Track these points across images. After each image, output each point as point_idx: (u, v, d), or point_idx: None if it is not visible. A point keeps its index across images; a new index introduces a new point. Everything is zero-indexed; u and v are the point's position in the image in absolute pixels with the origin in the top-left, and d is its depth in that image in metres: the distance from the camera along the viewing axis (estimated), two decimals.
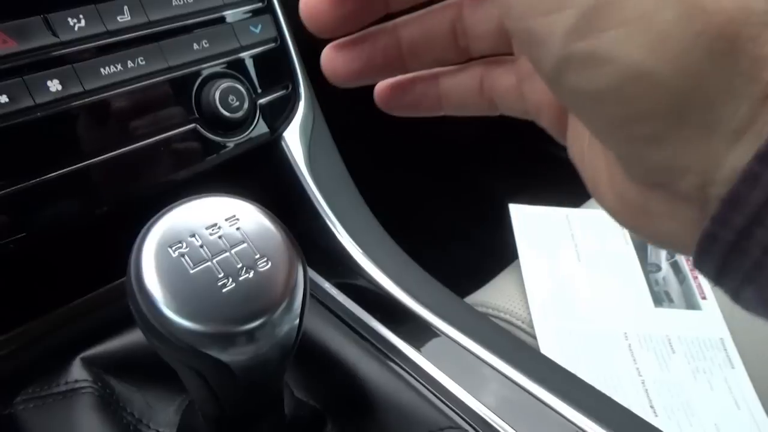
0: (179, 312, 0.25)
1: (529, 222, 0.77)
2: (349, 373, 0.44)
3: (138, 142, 0.47)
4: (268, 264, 0.27)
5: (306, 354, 0.44)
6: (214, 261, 0.27)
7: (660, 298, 0.72)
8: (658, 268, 0.75)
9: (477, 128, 1.49)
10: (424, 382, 0.44)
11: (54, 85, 0.43)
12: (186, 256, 0.26)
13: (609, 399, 0.45)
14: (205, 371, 0.27)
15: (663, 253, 0.76)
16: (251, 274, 0.27)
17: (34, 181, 0.42)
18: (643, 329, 0.68)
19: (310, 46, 0.64)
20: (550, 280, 0.70)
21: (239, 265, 0.27)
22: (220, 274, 0.26)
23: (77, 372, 0.43)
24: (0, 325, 0.44)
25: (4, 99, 0.41)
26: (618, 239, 0.77)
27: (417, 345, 0.47)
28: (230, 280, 0.26)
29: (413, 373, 0.44)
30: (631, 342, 0.66)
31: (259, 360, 0.27)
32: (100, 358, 0.44)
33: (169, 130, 0.48)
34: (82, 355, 0.44)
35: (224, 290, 0.26)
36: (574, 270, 0.72)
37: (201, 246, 0.27)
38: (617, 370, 0.64)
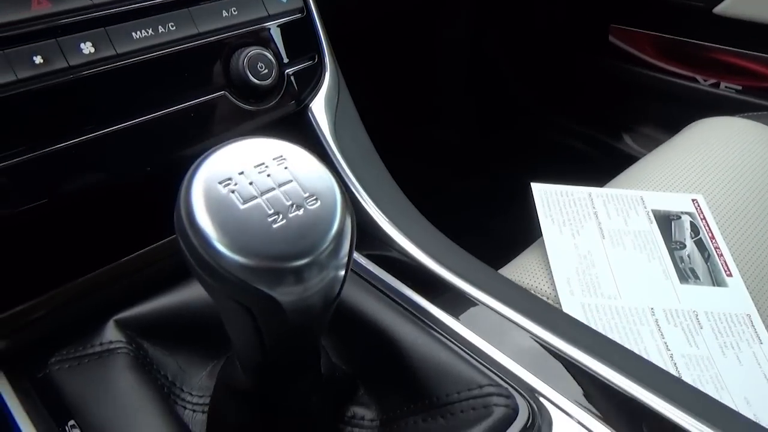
0: (231, 247, 0.25)
1: (552, 200, 0.77)
2: (383, 335, 0.43)
3: (167, 109, 0.47)
4: (317, 202, 0.27)
5: (340, 320, 0.44)
6: (264, 198, 0.26)
7: (685, 275, 0.71)
8: (683, 246, 0.74)
9: (498, 109, 1.49)
10: (459, 344, 0.43)
11: (87, 48, 0.43)
12: (236, 192, 0.26)
13: (641, 358, 0.45)
14: (254, 308, 0.27)
15: (687, 231, 0.76)
16: (301, 212, 0.27)
17: (61, 144, 0.42)
18: (669, 305, 0.67)
19: (335, 19, 0.64)
20: (575, 257, 0.70)
21: (289, 203, 0.27)
22: (270, 210, 0.26)
23: (111, 333, 0.43)
24: (34, 288, 0.44)
25: (38, 60, 0.41)
26: (641, 217, 0.77)
27: (450, 310, 0.47)
28: (280, 216, 0.26)
29: (448, 336, 0.44)
30: (657, 317, 0.66)
31: (310, 295, 0.27)
32: (134, 320, 0.44)
33: (199, 97, 0.48)
34: (116, 317, 0.44)
35: (275, 226, 0.26)
36: (599, 247, 0.72)
37: (250, 183, 0.27)
38: (645, 344, 0.63)
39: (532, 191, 0.78)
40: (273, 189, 0.27)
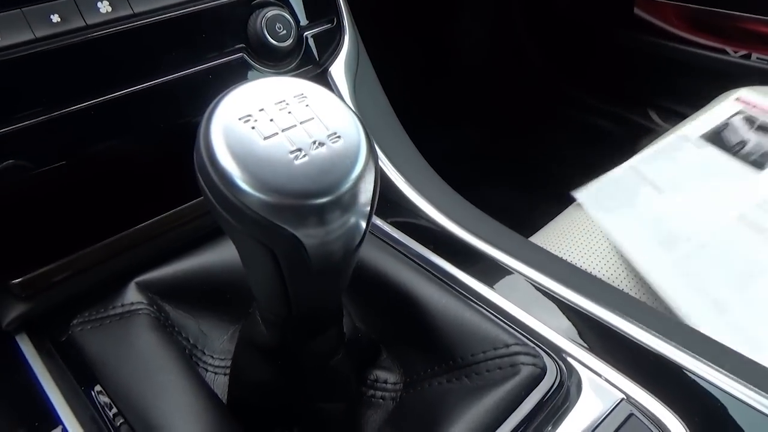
0: (252, 184, 0.24)
1: (600, 195, 0.72)
2: (406, 297, 0.42)
3: (185, 70, 0.46)
4: (340, 140, 0.26)
5: (363, 283, 0.43)
6: (285, 134, 0.25)
7: (760, 162, 0.66)
8: (743, 144, 0.70)
9: (520, 85, 1.46)
10: (484, 305, 0.42)
11: (104, 6, 0.42)
12: (256, 129, 0.25)
13: (673, 319, 0.43)
14: (277, 249, 0.26)
15: (743, 128, 0.72)
16: (324, 149, 0.26)
17: (78, 106, 0.42)
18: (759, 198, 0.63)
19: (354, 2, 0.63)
20: (647, 232, 0.65)
21: (311, 140, 0.26)
22: (291, 146, 0.25)
23: (132, 295, 0.43)
24: (55, 251, 0.44)
25: (56, 18, 0.40)
26: (690, 151, 0.73)
27: (476, 274, 0.45)
28: (302, 153, 0.25)
29: (472, 297, 0.43)
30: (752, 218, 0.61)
31: (332, 239, 0.26)
32: (155, 283, 0.44)
33: (217, 59, 0.47)
34: (137, 279, 0.44)
35: (297, 162, 0.25)
36: (665, 205, 0.66)
37: (270, 120, 0.26)
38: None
39: (575, 200, 0.72)
40: (294, 126, 0.26)
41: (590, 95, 1.36)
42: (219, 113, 0.25)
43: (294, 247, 0.25)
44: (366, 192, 0.27)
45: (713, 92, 0.97)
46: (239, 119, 0.25)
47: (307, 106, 0.27)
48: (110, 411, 0.38)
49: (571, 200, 0.72)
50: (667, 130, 1.08)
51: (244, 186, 0.24)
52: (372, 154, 0.27)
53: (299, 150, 0.25)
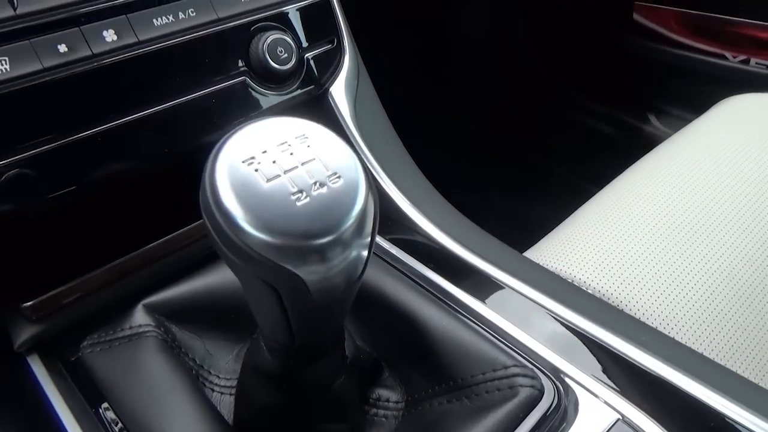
0: (256, 225, 0.25)
1: None
2: (407, 317, 0.43)
3: (189, 95, 0.47)
4: (340, 180, 0.27)
5: (363, 303, 0.44)
6: (287, 176, 0.26)
7: None
8: None
9: (520, 90, 1.47)
10: (482, 325, 0.43)
11: (110, 35, 0.43)
12: (259, 171, 0.26)
13: (668, 338, 0.44)
14: (280, 287, 0.27)
15: None
16: (324, 189, 0.26)
17: (86, 133, 0.43)
18: None
19: (353, 2, 0.64)
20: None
21: (312, 181, 0.27)
22: (293, 188, 0.26)
23: (140, 317, 0.44)
24: (65, 274, 0.45)
25: (63, 48, 0.41)
26: None
27: (473, 292, 0.46)
28: (304, 194, 0.26)
29: (471, 317, 0.44)
30: None
31: (333, 274, 0.27)
32: (161, 305, 0.45)
33: (220, 83, 0.48)
34: (144, 301, 0.45)
35: (298, 204, 0.26)
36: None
37: (273, 162, 0.27)
38: None
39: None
40: (296, 167, 0.27)
41: (590, 99, 1.37)
42: (223, 155, 0.26)
43: (296, 285, 0.26)
44: (366, 227, 0.28)
45: (713, 97, 0.98)
46: (243, 161, 0.26)
47: (308, 146, 0.28)
48: (116, 427, 0.39)
49: (570, 206, 0.73)
50: (667, 134, 1.09)
51: (248, 227, 0.25)
52: (371, 190, 0.28)
53: (301, 192, 0.26)
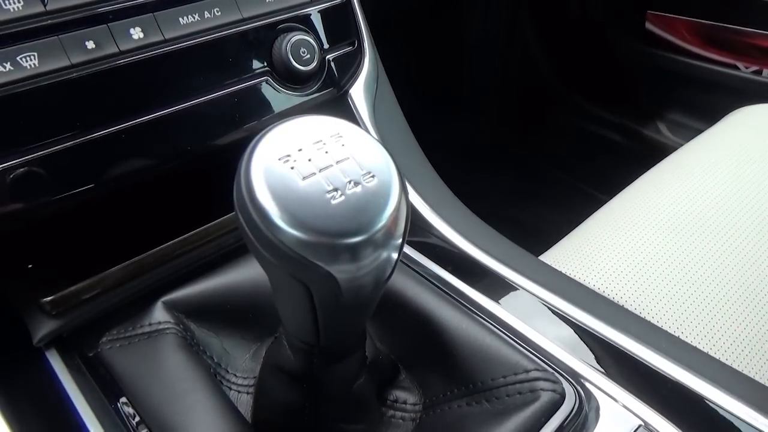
0: (291, 223, 0.25)
1: None
2: (426, 320, 0.43)
3: (212, 93, 0.47)
4: (374, 179, 0.27)
5: (382, 305, 0.44)
6: (322, 174, 0.26)
7: None
8: None
9: (530, 98, 1.47)
10: (502, 329, 0.43)
11: (136, 33, 0.43)
12: (295, 169, 0.26)
13: (687, 344, 0.44)
14: (312, 285, 0.27)
15: None
16: (359, 188, 0.27)
17: (108, 130, 0.43)
18: None
19: (374, 6, 0.64)
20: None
21: (347, 179, 0.27)
22: (328, 186, 0.26)
23: (160, 314, 0.44)
24: (85, 270, 0.45)
25: (90, 45, 0.42)
26: None
27: (492, 296, 0.46)
28: (339, 192, 0.26)
29: (491, 321, 0.44)
30: None
31: (364, 273, 0.27)
32: (181, 302, 0.45)
33: (242, 83, 0.48)
34: (164, 298, 0.45)
35: (333, 202, 0.26)
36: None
37: (309, 160, 0.27)
38: None
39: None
40: (331, 166, 0.27)
41: (601, 108, 1.37)
42: (259, 152, 0.27)
43: (328, 283, 0.26)
44: (398, 228, 0.28)
45: (724, 107, 0.98)
46: (279, 159, 0.26)
47: (343, 145, 0.28)
48: (134, 420, 0.39)
49: (580, 214, 0.73)
50: (677, 144, 1.09)
51: (283, 225, 0.25)
52: (403, 191, 0.28)
53: (336, 190, 0.26)
